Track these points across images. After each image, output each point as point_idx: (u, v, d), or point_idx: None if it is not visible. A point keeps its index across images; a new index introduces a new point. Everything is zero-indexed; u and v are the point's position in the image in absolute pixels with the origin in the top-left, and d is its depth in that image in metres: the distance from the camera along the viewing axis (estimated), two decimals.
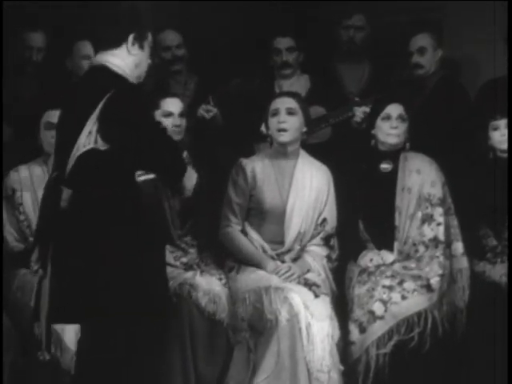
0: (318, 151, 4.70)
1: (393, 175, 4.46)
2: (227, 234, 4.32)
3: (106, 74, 3.30)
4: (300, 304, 4.03)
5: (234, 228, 4.32)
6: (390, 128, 4.38)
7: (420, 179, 4.42)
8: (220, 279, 4.25)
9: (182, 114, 4.38)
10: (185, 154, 4.01)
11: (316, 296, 4.08)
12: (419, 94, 5.02)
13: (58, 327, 3.88)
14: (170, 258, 4.24)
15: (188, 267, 4.27)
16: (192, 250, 4.36)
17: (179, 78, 5.15)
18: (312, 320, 4.01)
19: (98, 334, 3.26)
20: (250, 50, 5.29)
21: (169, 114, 4.34)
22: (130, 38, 3.36)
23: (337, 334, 4.06)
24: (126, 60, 3.35)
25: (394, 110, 4.40)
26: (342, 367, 4.06)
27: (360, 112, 4.71)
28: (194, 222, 4.40)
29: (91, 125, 3.19)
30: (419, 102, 4.99)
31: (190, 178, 3.49)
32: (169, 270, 4.12)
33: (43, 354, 3.68)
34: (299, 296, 4.06)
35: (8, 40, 4.77)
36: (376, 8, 5.41)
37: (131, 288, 3.19)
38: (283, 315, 3.99)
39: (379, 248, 4.43)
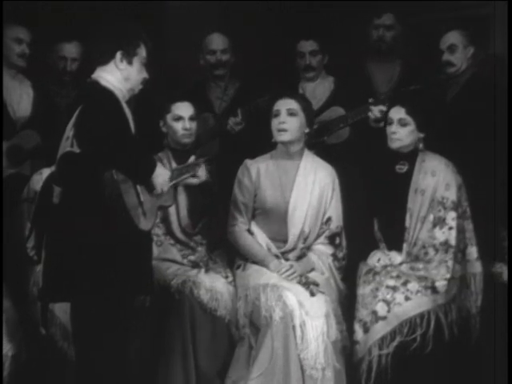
0: (335, 151, 4.78)
1: (408, 176, 4.44)
2: (233, 232, 4.44)
3: (93, 88, 3.65)
4: (294, 302, 4.10)
5: (240, 227, 4.43)
6: (391, 133, 4.38)
7: (434, 181, 4.39)
8: (226, 277, 4.36)
9: (192, 118, 4.53)
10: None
11: (312, 294, 4.13)
12: (450, 92, 4.98)
13: (67, 322, 4.11)
14: (177, 255, 4.43)
15: (195, 265, 4.41)
16: (200, 249, 4.49)
17: (220, 83, 5.20)
18: (306, 318, 4.07)
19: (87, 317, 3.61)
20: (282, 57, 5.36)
21: (179, 118, 4.51)
22: (118, 54, 3.70)
23: (333, 332, 4.10)
24: (115, 75, 3.71)
25: (395, 114, 4.39)
26: (338, 365, 4.09)
27: (376, 111, 4.72)
28: (205, 221, 4.54)
29: (69, 130, 3.56)
30: (449, 100, 4.95)
31: (162, 175, 3.67)
32: (174, 267, 4.35)
33: (41, 329, 3.95)
34: (294, 294, 4.13)
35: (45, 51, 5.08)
36: (409, 6, 5.39)
37: (113, 272, 3.54)
38: (277, 313, 4.07)
39: (390, 248, 4.44)
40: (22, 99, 4.82)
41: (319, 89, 5.10)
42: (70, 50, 5.06)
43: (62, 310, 4.07)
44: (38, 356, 4.14)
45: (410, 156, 4.45)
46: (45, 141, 4.74)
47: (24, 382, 4.07)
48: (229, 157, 4.72)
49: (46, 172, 4.58)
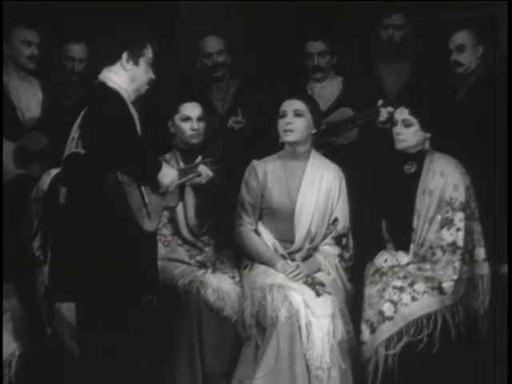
0: (343, 152, 4.78)
1: (416, 177, 4.44)
2: (240, 233, 4.45)
3: (99, 89, 3.69)
4: (300, 302, 4.11)
5: (247, 227, 4.45)
6: (396, 134, 4.38)
7: (443, 182, 4.38)
8: (233, 277, 4.38)
9: (200, 119, 4.55)
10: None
11: (318, 295, 4.14)
12: (459, 92, 4.97)
13: (74, 322, 4.14)
14: (184, 256, 4.45)
15: (202, 265, 4.43)
16: (208, 249, 4.51)
17: (221, 84, 5.25)
18: (312, 318, 4.08)
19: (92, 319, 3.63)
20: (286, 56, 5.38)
21: (187, 119, 4.54)
22: (124, 55, 3.74)
23: (339, 332, 4.10)
24: (121, 75, 3.75)
25: (399, 115, 4.39)
26: (344, 366, 4.09)
27: (385, 112, 4.73)
28: (213, 222, 4.56)
29: (74, 131, 3.59)
30: (458, 100, 4.94)
31: (168, 175, 3.68)
32: (182, 267, 4.37)
33: (47, 329, 4.00)
34: (300, 295, 4.14)
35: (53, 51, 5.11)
36: (417, 6, 5.38)
37: (118, 272, 3.56)
38: (282, 313, 4.08)
39: (397, 249, 4.44)
40: (30, 101, 4.86)
41: (327, 89, 5.12)
42: (78, 50, 5.09)
43: (69, 310, 4.08)
44: (45, 355, 4.16)
45: (418, 156, 4.44)
46: (52, 142, 4.77)
47: (31, 381, 4.10)
48: (236, 157, 4.73)
49: (55, 172, 4.65)
